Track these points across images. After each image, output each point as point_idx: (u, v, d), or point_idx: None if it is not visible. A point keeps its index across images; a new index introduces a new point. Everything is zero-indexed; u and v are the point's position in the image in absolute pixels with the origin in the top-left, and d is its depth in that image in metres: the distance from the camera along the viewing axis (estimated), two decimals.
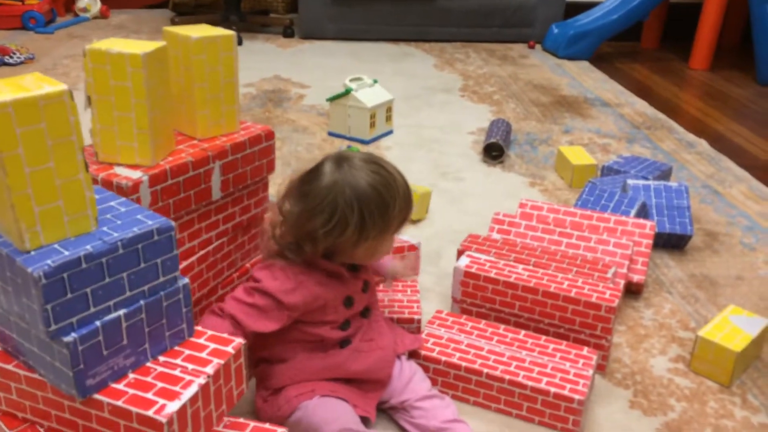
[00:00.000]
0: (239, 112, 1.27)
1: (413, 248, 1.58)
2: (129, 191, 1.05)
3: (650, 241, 1.57)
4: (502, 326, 1.34)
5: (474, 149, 2.38)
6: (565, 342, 1.29)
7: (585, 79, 3.32)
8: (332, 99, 2.42)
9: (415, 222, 1.84)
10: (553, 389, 1.18)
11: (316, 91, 2.89)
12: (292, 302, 1.07)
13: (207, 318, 1.08)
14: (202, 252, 1.24)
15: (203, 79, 1.19)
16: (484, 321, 1.35)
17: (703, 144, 2.52)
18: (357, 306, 1.15)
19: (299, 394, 1.10)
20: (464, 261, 1.42)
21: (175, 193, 1.13)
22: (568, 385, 1.19)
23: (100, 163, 1.11)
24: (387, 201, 1.05)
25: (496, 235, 1.60)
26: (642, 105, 2.94)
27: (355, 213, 1.03)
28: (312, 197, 1.05)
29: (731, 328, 1.35)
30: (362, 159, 1.08)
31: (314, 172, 1.08)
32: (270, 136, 1.31)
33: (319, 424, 1.06)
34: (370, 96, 2.40)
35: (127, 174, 1.08)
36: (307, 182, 1.07)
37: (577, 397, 1.17)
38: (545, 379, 1.20)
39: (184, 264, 1.19)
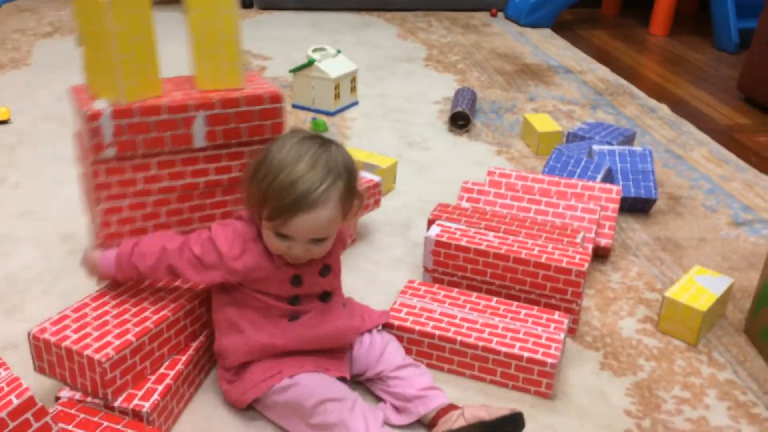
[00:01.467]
0: (242, 70, 1.29)
1: (377, 185, 1.61)
2: (88, 119, 1.18)
3: (617, 206, 1.58)
4: (475, 294, 1.34)
5: (440, 119, 2.37)
6: (536, 307, 1.31)
7: (548, 46, 3.32)
8: (295, 70, 2.38)
9: (384, 194, 1.83)
10: (526, 354, 1.19)
11: (278, 63, 2.83)
12: (234, 267, 1.07)
13: (142, 247, 1.10)
14: (183, 192, 1.32)
15: (199, 32, 1.25)
16: (456, 289, 1.35)
17: (664, 109, 2.55)
18: (309, 287, 1.11)
19: (267, 377, 1.08)
20: (435, 230, 1.42)
21: (145, 130, 1.23)
22: (541, 349, 1.20)
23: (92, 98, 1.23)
24: (268, 174, 1.03)
25: (465, 204, 1.60)
26: (604, 71, 2.96)
27: (256, 172, 1.05)
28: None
29: (696, 288, 1.38)
30: (305, 137, 1.06)
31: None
32: (276, 99, 1.32)
33: (296, 402, 1.06)
34: (333, 66, 2.36)
35: (96, 105, 1.20)
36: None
37: (549, 360, 1.18)
38: (518, 344, 1.21)
39: (158, 196, 1.30)
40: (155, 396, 1.06)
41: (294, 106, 2.42)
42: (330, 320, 1.14)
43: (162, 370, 1.11)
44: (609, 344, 1.34)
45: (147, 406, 1.04)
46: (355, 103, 2.48)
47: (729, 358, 1.32)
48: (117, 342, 1.04)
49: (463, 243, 1.38)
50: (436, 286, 1.37)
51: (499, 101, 2.56)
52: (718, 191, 1.96)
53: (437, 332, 1.24)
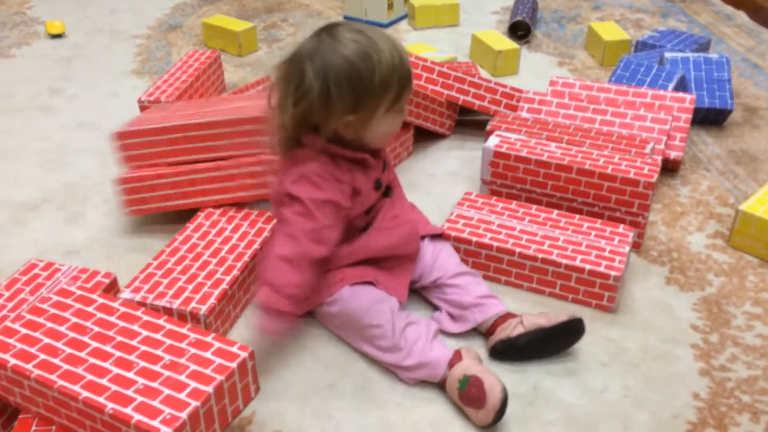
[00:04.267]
0: None
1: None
2: None
3: (689, 116, 1.49)
4: (534, 206, 1.29)
5: (499, 29, 2.26)
6: (600, 220, 1.25)
7: None
8: None
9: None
10: (588, 266, 1.15)
11: None
12: (346, 203, 1.04)
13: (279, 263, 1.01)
14: None
15: None
16: (515, 201, 1.31)
17: (741, 16, 2.37)
18: (382, 186, 1.12)
19: (330, 284, 1.08)
20: (494, 141, 1.36)
21: None
22: (604, 262, 1.15)
23: None
24: (361, 73, 0.96)
25: (525, 115, 1.53)
26: None
27: (318, 83, 0.96)
28: (287, 71, 0.99)
29: None
30: (347, 29, 1.00)
31: (294, 51, 1.01)
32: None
33: (353, 314, 1.05)
34: None
35: None
36: (286, 62, 1.01)
37: (613, 273, 1.14)
38: (580, 257, 1.17)
39: None
40: (212, 300, 1.07)
41: (346, 17, 2.34)
42: (400, 214, 1.14)
43: (218, 275, 1.11)
44: (676, 259, 1.29)
45: (204, 309, 1.05)
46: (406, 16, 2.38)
47: None
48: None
49: (523, 154, 1.32)
50: (494, 198, 1.32)
51: (561, 10, 2.42)
52: None
53: (495, 243, 1.20)
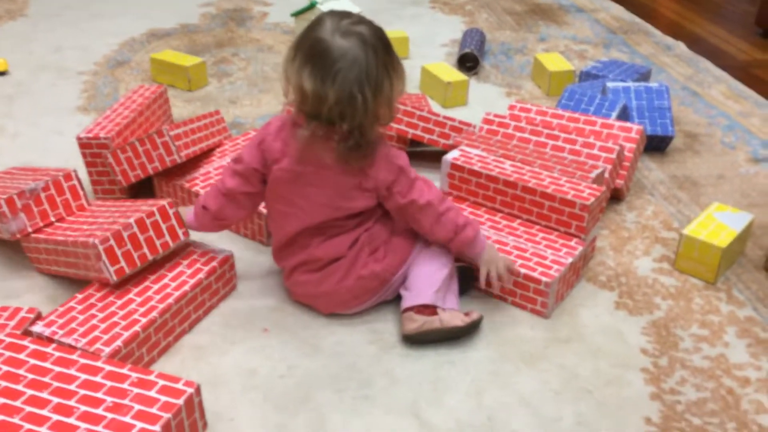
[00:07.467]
0: None
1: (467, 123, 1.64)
2: None
3: (634, 146, 1.52)
4: (500, 215, 1.35)
5: (448, 61, 2.29)
6: (556, 233, 1.29)
7: None
8: (297, 14, 2.30)
9: None
10: (524, 270, 1.20)
11: (280, 8, 2.74)
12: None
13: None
14: None
15: None
16: (484, 208, 1.37)
17: (680, 46, 2.46)
18: None
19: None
20: (453, 154, 1.41)
21: None
22: (540, 269, 1.20)
23: None
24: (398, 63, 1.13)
25: (487, 135, 1.56)
26: (618, 9, 2.85)
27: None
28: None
29: (716, 225, 1.33)
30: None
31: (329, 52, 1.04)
32: None
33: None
34: (336, 8, 2.28)
35: None
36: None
37: (544, 279, 1.18)
38: (520, 261, 1.22)
39: None
40: (118, 342, 1.03)
41: None
42: None
43: (135, 316, 1.10)
44: (624, 284, 1.30)
45: (107, 351, 1.01)
46: None
47: (749, 295, 1.28)
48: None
49: (476, 167, 1.36)
50: (466, 203, 1.38)
51: (508, 42, 2.47)
52: (736, 128, 1.89)
53: None
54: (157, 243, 1.15)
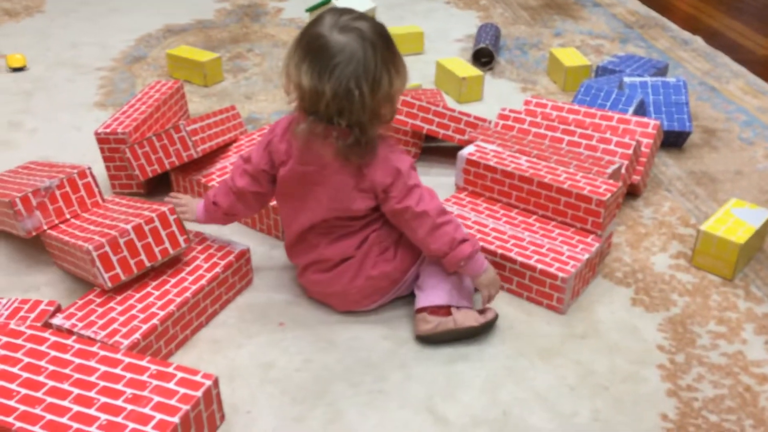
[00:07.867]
0: None
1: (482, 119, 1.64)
2: None
3: (650, 141, 1.52)
4: (515, 210, 1.34)
5: (463, 57, 2.29)
6: (572, 229, 1.29)
7: None
8: (312, 9, 2.30)
9: None
10: (540, 266, 1.19)
11: (295, 3, 2.74)
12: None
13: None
14: None
15: None
16: (499, 204, 1.36)
17: (698, 41, 2.44)
18: None
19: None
20: (469, 149, 1.41)
21: None
22: (557, 264, 1.20)
23: None
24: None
25: (502, 130, 1.56)
26: (634, 3, 2.83)
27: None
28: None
29: (734, 221, 1.32)
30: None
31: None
32: None
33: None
34: (351, 4, 2.28)
35: None
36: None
37: (561, 274, 1.17)
38: (536, 257, 1.21)
39: None
40: (136, 335, 1.04)
41: None
42: None
43: (153, 309, 1.11)
44: (641, 280, 1.30)
45: (126, 343, 1.02)
46: None
47: (767, 291, 1.27)
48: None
49: (491, 163, 1.36)
50: (481, 199, 1.38)
51: (523, 37, 2.46)
52: (755, 123, 1.87)
53: None
54: (156, 250, 1.14)
